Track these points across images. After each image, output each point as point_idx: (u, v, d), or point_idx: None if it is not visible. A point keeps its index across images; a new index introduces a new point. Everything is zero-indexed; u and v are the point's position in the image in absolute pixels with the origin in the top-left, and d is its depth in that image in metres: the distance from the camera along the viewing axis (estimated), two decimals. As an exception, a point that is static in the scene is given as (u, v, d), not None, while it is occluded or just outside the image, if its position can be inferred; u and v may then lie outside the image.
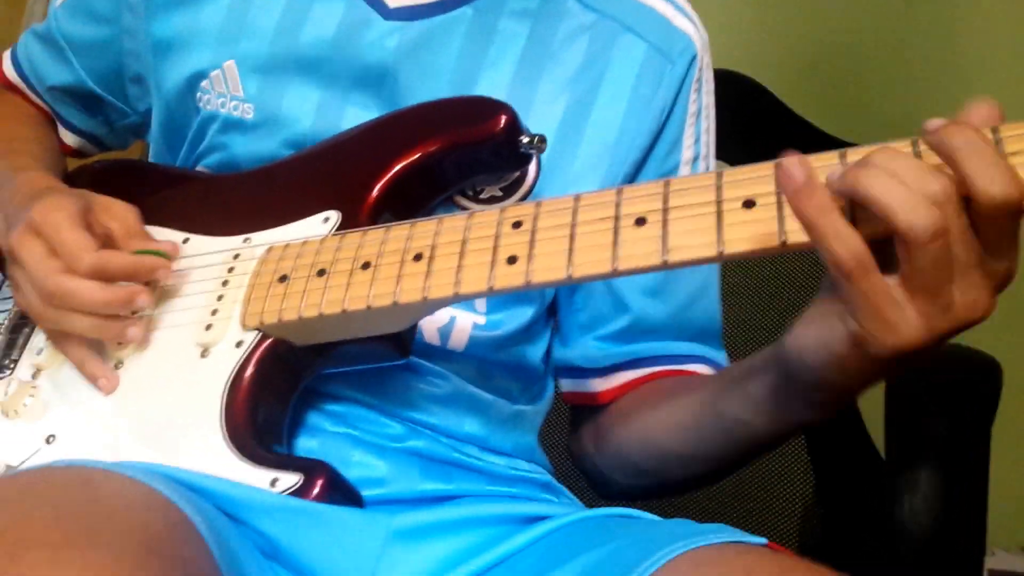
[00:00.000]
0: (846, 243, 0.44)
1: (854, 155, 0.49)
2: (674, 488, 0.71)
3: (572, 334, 0.75)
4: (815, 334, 0.50)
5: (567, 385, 0.77)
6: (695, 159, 0.75)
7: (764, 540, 0.52)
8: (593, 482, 0.76)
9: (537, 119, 0.69)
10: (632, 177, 0.72)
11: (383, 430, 0.66)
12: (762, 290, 1.05)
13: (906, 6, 1.29)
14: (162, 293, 0.68)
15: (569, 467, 0.78)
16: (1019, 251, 0.47)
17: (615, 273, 0.53)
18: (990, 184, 0.43)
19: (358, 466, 0.64)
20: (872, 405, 0.90)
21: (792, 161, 0.47)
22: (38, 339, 0.71)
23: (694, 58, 0.73)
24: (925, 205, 0.43)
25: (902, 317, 0.45)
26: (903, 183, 0.44)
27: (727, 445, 0.63)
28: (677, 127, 0.73)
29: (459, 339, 0.69)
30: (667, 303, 0.73)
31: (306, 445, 0.65)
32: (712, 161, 0.77)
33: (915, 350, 0.46)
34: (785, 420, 0.58)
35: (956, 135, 0.44)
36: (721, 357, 0.76)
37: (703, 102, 0.75)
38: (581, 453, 0.76)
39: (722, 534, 0.52)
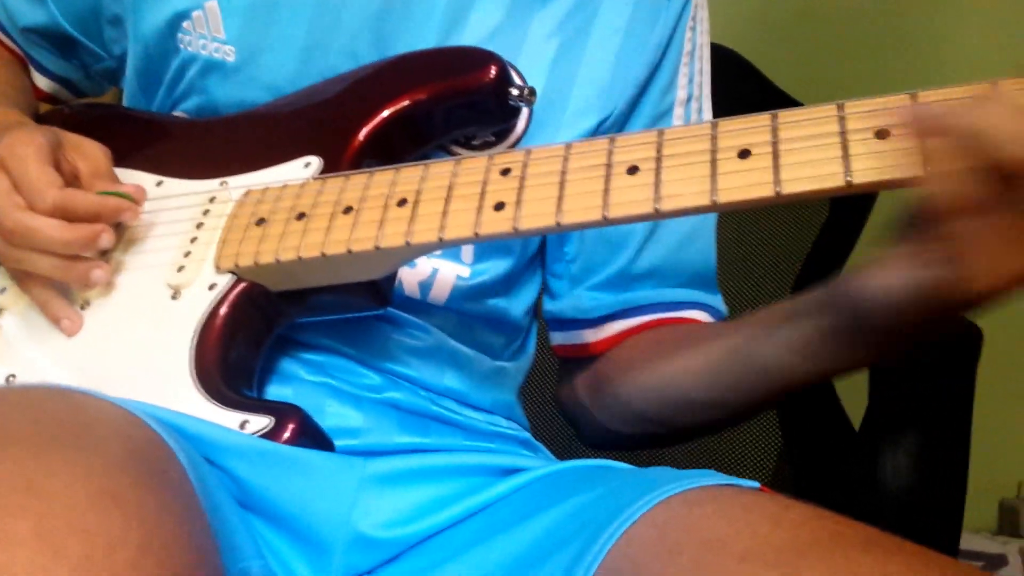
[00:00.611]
0: (968, 183, 0.43)
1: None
2: (679, 435, 0.70)
3: (563, 286, 0.74)
4: (894, 279, 0.49)
5: (558, 338, 0.76)
6: (688, 99, 0.74)
7: (757, 483, 0.51)
8: (584, 431, 0.75)
9: (528, 61, 0.68)
10: (627, 115, 0.71)
11: (360, 380, 0.65)
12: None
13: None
14: (131, 236, 0.66)
15: (546, 427, 0.77)
16: None
17: (605, 221, 0.52)
18: None
19: (333, 416, 0.62)
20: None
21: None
22: (1, 278, 0.68)
23: None
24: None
25: (1001, 259, 0.44)
26: (1010, 117, 0.42)
27: (755, 392, 0.61)
28: (672, 65, 0.72)
29: (440, 292, 0.67)
30: (659, 246, 0.72)
31: (279, 392, 0.63)
32: (706, 103, 0.75)
33: (1006, 294, 0.46)
34: (834, 366, 0.56)
35: None
36: (717, 301, 0.75)
37: (697, 41, 0.74)
38: (574, 402, 0.75)
39: (713, 478, 0.51)
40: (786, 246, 1.07)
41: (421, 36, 0.68)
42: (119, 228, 0.65)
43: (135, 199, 0.65)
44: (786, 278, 1.05)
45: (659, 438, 0.71)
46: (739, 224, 1.08)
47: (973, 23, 1.23)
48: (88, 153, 0.68)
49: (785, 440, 0.95)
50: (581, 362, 0.75)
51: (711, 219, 0.76)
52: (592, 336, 0.73)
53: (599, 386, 0.73)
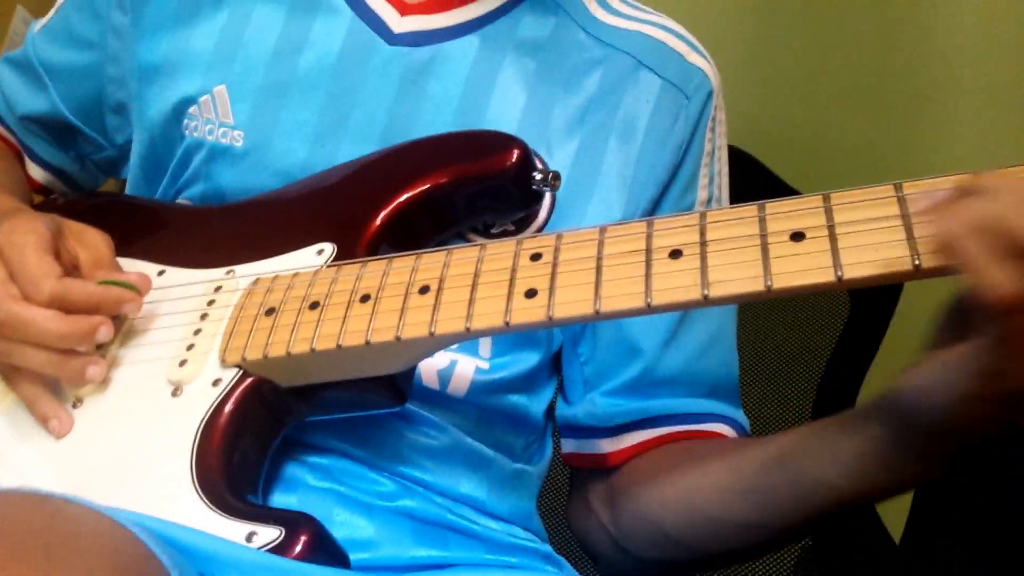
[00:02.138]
0: (1009, 275, 0.40)
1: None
2: (713, 561, 0.64)
3: (576, 389, 0.70)
4: (943, 376, 0.46)
5: (570, 446, 0.71)
6: (708, 200, 0.71)
7: None
8: (598, 554, 0.69)
9: (551, 152, 0.66)
10: (649, 214, 0.68)
11: (371, 487, 0.60)
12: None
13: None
14: (130, 328, 0.62)
15: (565, 538, 0.71)
16: None
17: (649, 309, 0.48)
18: None
19: (342, 526, 0.57)
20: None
21: (939, 182, 0.44)
22: (-12, 373, 0.64)
23: (710, 94, 0.71)
24: None
25: None
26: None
27: (800, 512, 0.56)
28: (693, 165, 0.70)
29: (460, 384, 0.63)
30: (679, 351, 0.68)
31: (283, 501, 0.58)
32: (726, 204, 0.73)
33: None
34: (889, 480, 0.52)
35: None
36: (740, 415, 0.70)
37: (717, 143, 0.72)
38: (587, 520, 0.69)
39: None
40: (808, 348, 1.03)
41: (438, 123, 0.66)
42: (117, 320, 0.61)
43: (138, 289, 0.61)
44: (809, 382, 1.01)
45: (683, 564, 0.65)
46: (756, 328, 1.04)
47: (970, 115, 1.24)
48: (89, 242, 0.64)
49: (814, 546, 0.89)
50: (594, 475, 0.70)
51: (731, 327, 0.72)
52: (609, 446, 0.68)
53: (618, 503, 0.67)
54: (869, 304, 0.99)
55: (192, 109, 0.69)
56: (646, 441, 0.67)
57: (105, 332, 0.58)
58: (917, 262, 0.44)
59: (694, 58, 0.71)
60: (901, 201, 0.46)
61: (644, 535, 0.65)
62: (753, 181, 1.11)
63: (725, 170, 0.74)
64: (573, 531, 0.71)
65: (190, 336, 0.60)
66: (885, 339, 0.98)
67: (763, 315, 1.04)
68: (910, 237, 0.45)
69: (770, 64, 1.29)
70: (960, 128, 1.22)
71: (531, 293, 0.51)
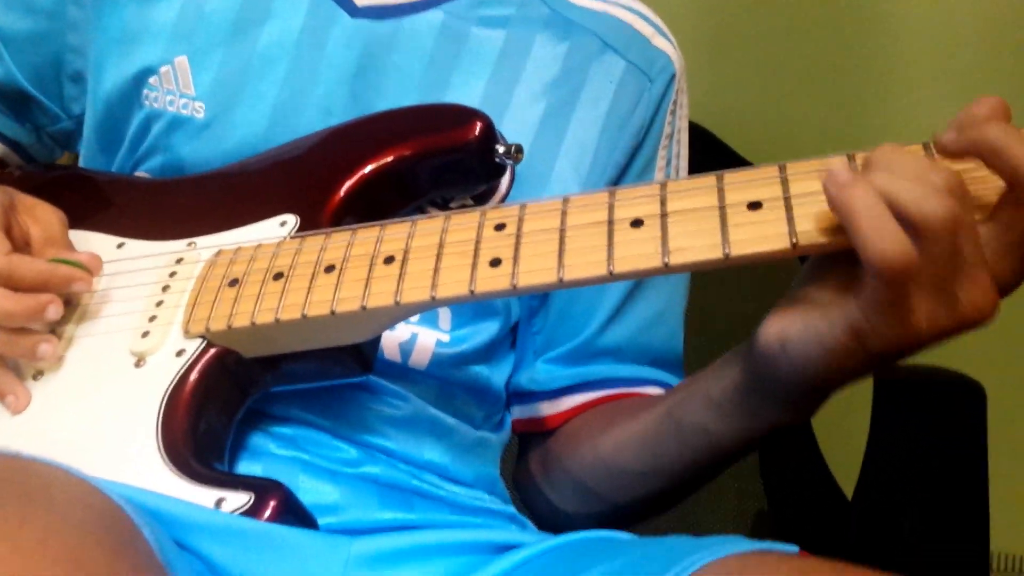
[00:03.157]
0: (896, 238, 0.42)
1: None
2: (628, 513, 0.66)
3: (525, 358, 0.71)
4: (804, 326, 0.47)
5: (516, 412, 0.73)
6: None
7: (795, 547, 0.47)
8: (539, 513, 0.71)
9: (512, 126, 0.66)
10: None
11: (335, 454, 0.60)
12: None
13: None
14: (90, 300, 0.62)
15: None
16: None
17: (611, 276, 0.50)
18: None
19: (307, 492, 0.58)
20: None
21: (837, 161, 0.45)
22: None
23: (672, 78, 0.72)
24: (936, 195, 0.42)
25: (910, 311, 0.43)
26: (912, 177, 0.43)
27: (686, 457, 0.58)
28: (652, 147, 0.71)
29: (421, 357, 0.64)
30: (623, 327, 0.70)
31: (249, 469, 0.58)
32: None
33: (914, 346, 0.45)
34: (752, 424, 0.54)
35: (990, 129, 0.42)
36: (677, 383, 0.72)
37: (677, 125, 0.73)
38: (527, 482, 0.72)
39: (744, 544, 0.47)
40: (759, 317, 1.05)
41: (400, 96, 0.66)
42: (71, 299, 0.60)
43: (89, 268, 0.60)
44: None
45: (605, 517, 0.67)
46: (710, 298, 1.06)
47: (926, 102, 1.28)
48: (41, 217, 0.63)
49: (771, 510, 0.91)
50: (535, 438, 0.72)
51: (679, 306, 0.74)
52: (548, 409, 0.71)
53: (549, 462, 0.70)
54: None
55: (152, 79, 0.69)
56: (582, 404, 0.69)
57: (54, 310, 0.57)
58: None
59: (659, 41, 0.72)
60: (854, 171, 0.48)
61: (570, 492, 0.67)
62: (713, 158, 1.13)
63: (684, 152, 0.75)
64: (518, 492, 0.73)
65: (152, 308, 0.59)
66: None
67: (717, 285, 1.06)
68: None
69: (730, 45, 1.31)
70: (912, 106, 1.26)
71: (496, 262, 0.52)
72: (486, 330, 0.68)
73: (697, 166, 0.78)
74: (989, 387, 0.75)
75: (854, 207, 0.42)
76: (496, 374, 0.70)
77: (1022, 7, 1.21)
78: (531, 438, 0.73)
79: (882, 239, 0.42)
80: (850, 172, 0.44)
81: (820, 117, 1.28)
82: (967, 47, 1.23)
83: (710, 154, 1.10)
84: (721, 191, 0.50)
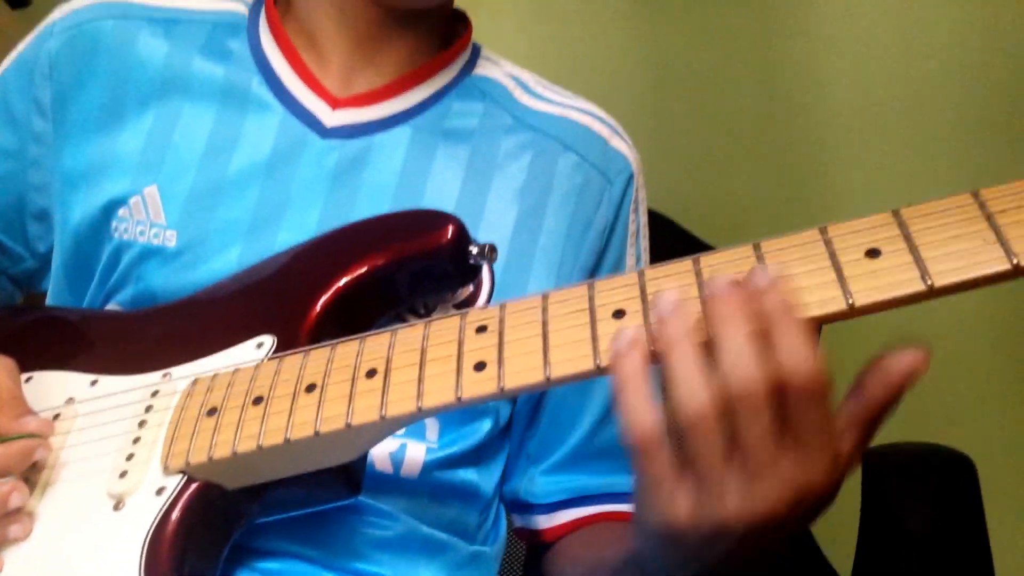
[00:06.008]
0: (645, 418, 0.41)
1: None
2: None
3: (519, 464, 0.71)
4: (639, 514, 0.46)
5: (516, 520, 0.73)
6: None
7: None
8: None
9: (489, 231, 0.67)
10: None
11: (329, 587, 0.58)
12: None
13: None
14: (63, 444, 0.59)
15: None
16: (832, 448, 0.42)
17: (599, 371, 0.48)
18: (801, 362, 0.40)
19: None
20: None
21: (665, 294, 0.44)
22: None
23: (631, 178, 0.73)
24: (705, 390, 0.40)
25: (670, 496, 0.42)
26: (690, 362, 0.41)
27: None
28: (619, 247, 0.73)
29: (412, 467, 0.62)
30: (613, 427, 0.69)
31: (237, 612, 0.56)
32: None
33: (685, 531, 0.42)
34: None
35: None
36: None
37: (640, 221, 0.75)
38: None
39: None
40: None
41: (376, 208, 0.66)
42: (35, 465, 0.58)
43: (41, 433, 0.58)
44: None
45: None
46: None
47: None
48: None
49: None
50: (537, 549, 0.72)
51: None
52: (545, 523, 0.71)
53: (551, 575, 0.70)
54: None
55: (122, 211, 0.68)
56: (577, 519, 0.70)
57: (18, 498, 0.55)
58: (851, 301, 0.45)
59: (616, 142, 0.73)
60: (827, 243, 0.48)
61: None
62: (670, 240, 1.14)
63: (647, 246, 0.76)
64: None
65: (129, 445, 0.57)
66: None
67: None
68: (840, 278, 0.46)
69: (679, 134, 1.36)
70: (853, 172, 1.31)
71: (480, 366, 0.51)
72: (476, 431, 0.66)
73: (654, 248, 0.79)
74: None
75: (623, 374, 0.42)
76: (486, 478, 0.69)
77: (945, 78, 1.26)
78: (532, 548, 0.73)
79: (635, 411, 0.41)
80: (636, 332, 0.43)
81: (765, 194, 1.33)
82: (895, 121, 1.29)
83: (662, 236, 1.12)
84: (699, 274, 0.49)
